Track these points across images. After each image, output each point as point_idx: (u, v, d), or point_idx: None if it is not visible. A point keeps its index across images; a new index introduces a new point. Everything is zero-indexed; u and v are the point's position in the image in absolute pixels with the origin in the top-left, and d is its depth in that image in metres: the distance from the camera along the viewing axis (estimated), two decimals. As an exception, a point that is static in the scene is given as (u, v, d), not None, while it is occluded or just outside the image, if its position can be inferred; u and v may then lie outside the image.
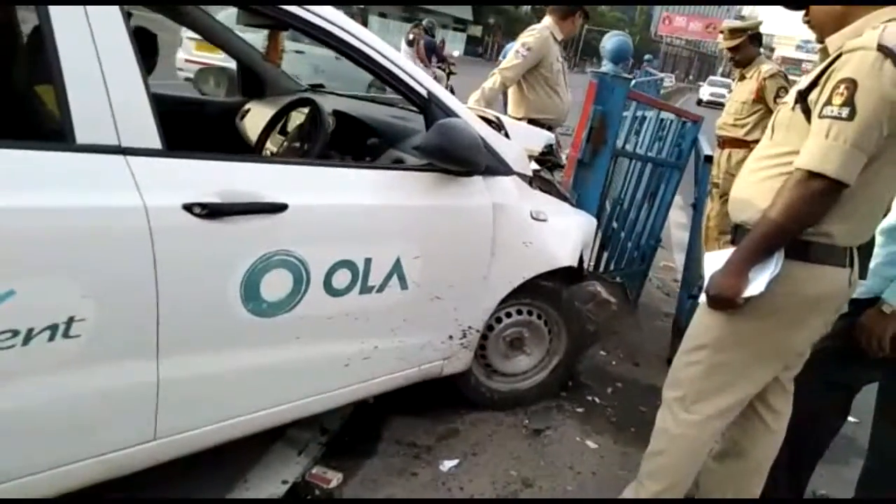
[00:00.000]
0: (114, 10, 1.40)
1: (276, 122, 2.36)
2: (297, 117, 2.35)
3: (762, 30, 3.99)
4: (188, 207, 1.48)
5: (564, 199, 2.47)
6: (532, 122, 3.35)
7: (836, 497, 2.30)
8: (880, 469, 2.01)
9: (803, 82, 1.52)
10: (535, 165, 2.40)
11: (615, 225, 3.37)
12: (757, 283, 1.51)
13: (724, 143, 3.94)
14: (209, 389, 1.66)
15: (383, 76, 1.93)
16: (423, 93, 1.96)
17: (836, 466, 2.33)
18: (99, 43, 1.37)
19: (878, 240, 1.79)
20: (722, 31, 3.92)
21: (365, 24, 31.51)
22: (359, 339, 1.93)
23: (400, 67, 1.93)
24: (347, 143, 2.26)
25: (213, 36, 2.77)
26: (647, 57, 15.91)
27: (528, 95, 3.37)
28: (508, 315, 2.38)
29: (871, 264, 1.79)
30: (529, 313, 2.41)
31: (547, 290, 2.38)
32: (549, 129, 3.34)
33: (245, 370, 1.70)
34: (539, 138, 2.47)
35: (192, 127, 2.74)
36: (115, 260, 1.40)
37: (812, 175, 1.40)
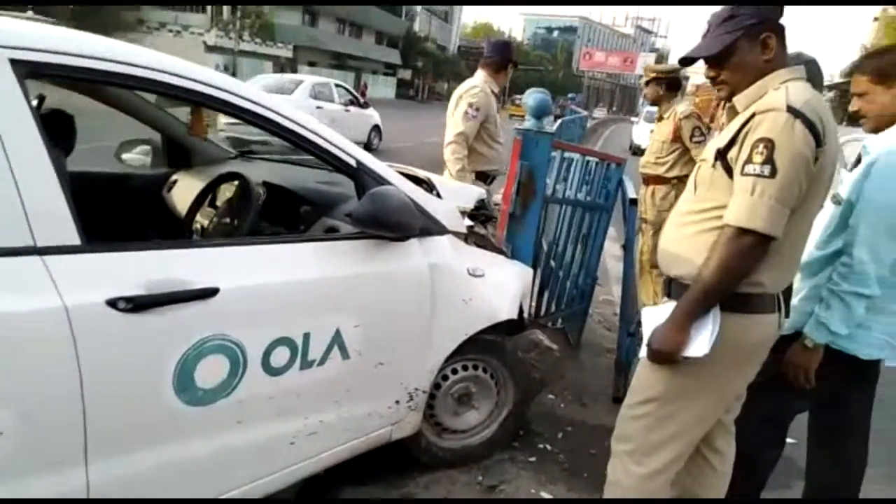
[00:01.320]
0: (20, 103, 1.35)
1: (206, 196, 2.32)
2: (227, 189, 2.32)
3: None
4: (112, 303, 1.43)
5: (500, 251, 2.52)
6: (478, 174, 3.46)
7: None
8: (820, 495, 2.09)
9: (721, 140, 1.61)
10: (468, 221, 2.44)
11: (553, 265, 3.45)
12: (699, 344, 1.57)
13: (648, 180, 4.12)
14: (145, 487, 1.59)
15: (310, 149, 1.93)
16: (352, 162, 1.98)
17: (778, 491, 2.40)
18: (5, 139, 1.32)
19: (797, 277, 1.90)
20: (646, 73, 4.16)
21: (294, 72, 31.53)
22: (303, 416, 1.88)
23: (325, 139, 1.94)
24: (279, 213, 2.24)
25: (136, 111, 2.72)
26: (570, 95, 16.49)
27: (475, 149, 3.44)
28: (455, 372, 2.38)
29: (794, 301, 1.89)
30: (475, 368, 2.42)
31: (490, 344, 2.39)
32: (493, 178, 3.43)
33: (184, 462, 1.64)
34: (470, 194, 2.52)
35: (118, 204, 2.68)
36: (36, 367, 1.33)
37: (742, 231, 1.48)
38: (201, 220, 2.32)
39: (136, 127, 2.81)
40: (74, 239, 1.41)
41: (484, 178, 3.46)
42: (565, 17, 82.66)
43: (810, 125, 1.47)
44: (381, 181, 2.01)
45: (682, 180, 3.88)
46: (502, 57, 3.51)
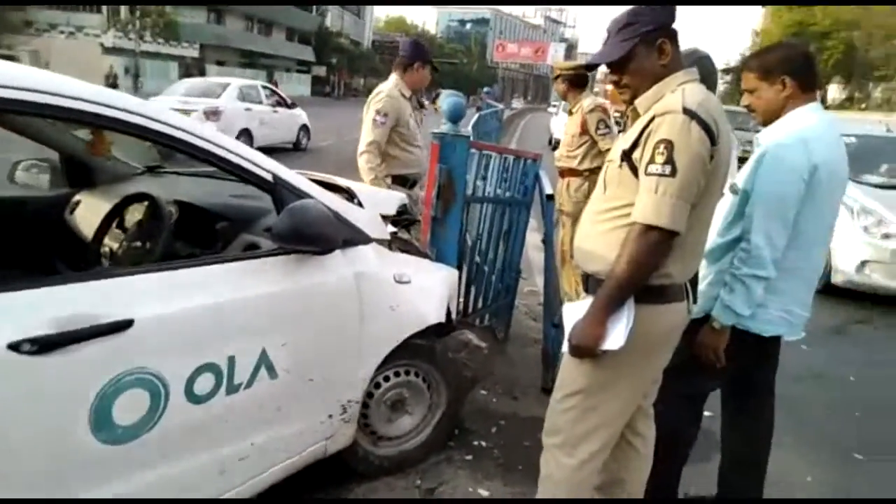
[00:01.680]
0: None
1: (113, 218, 2.21)
2: (136, 210, 2.22)
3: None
4: (14, 346, 1.34)
5: (424, 256, 2.53)
6: (396, 178, 3.45)
7: (704, 495, 2.50)
8: (735, 468, 2.24)
9: (626, 142, 1.68)
10: (392, 227, 2.44)
11: (478, 261, 3.50)
12: (616, 337, 1.64)
13: (563, 172, 4.25)
14: (66, 534, 1.51)
15: (223, 167, 1.87)
16: (268, 177, 1.94)
17: (699, 464, 2.53)
18: None
19: (702, 263, 2.01)
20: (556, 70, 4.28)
21: (202, 73, 30.30)
22: (232, 442, 1.84)
23: (238, 155, 1.89)
24: (194, 232, 2.17)
25: (25, 128, 2.54)
26: (486, 90, 16.69)
27: (390, 153, 3.43)
28: (387, 379, 2.38)
29: (701, 286, 2.01)
30: (407, 373, 2.43)
31: (421, 348, 2.41)
32: (415, 182, 3.42)
33: (107, 504, 1.56)
34: (391, 200, 2.52)
35: (15, 231, 2.51)
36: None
37: (648, 227, 1.56)
38: (110, 243, 2.21)
39: (28, 144, 2.63)
40: (-34, 280, 1.32)
41: (403, 182, 3.46)
42: (478, 10, 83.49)
43: (705, 126, 1.56)
44: (300, 194, 1.98)
45: (594, 172, 4.01)
46: (411, 56, 3.50)
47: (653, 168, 1.57)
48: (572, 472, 1.83)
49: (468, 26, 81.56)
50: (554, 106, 14.15)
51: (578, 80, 4.15)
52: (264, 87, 13.25)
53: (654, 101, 1.67)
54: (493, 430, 2.85)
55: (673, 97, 1.62)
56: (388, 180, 3.37)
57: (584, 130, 4.07)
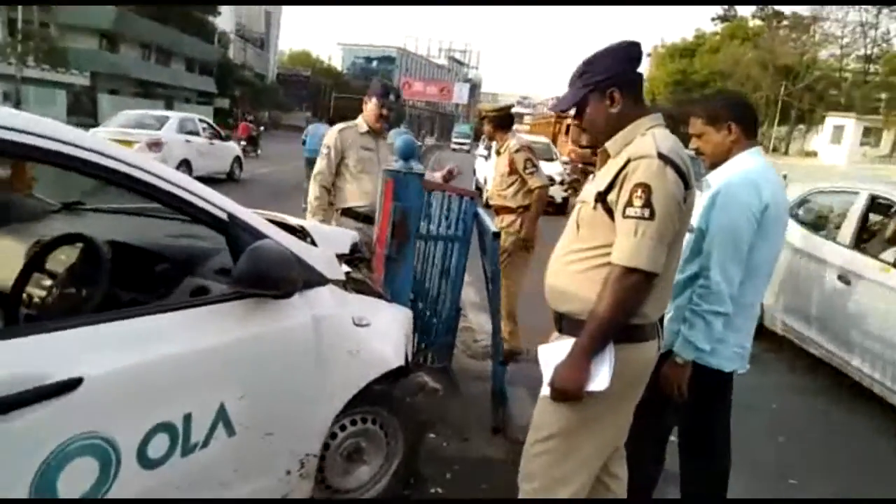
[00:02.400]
0: None
1: (37, 262, 1.96)
2: (65, 252, 1.98)
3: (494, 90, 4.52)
4: (-54, 415, 1.14)
5: (379, 296, 2.44)
6: (346, 210, 3.47)
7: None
8: (695, 495, 2.27)
9: (600, 184, 1.70)
10: (346, 267, 2.34)
11: (420, 304, 3.43)
12: (601, 379, 1.63)
13: (497, 210, 4.30)
14: None
15: (175, 205, 1.72)
16: (223, 216, 1.80)
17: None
18: None
19: None
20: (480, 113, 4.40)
21: (94, 102, 28.61)
22: (187, 508, 1.65)
23: (192, 192, 1.74)
24: (132, 275, 1.97)
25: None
26: (402, 129, 17.04)
27: (339, 185, 3.51)
28: (343, 428, 2.24)
29: (664, 321, 2.05)
30: (364, 421, 2.30)
31: (378, 394, 2.29)
32: (368, 217, 3.36)
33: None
34: (344, 239, 2.42)
35: None
36: None
37: (629, 270, 1.58)
38: (35, 292, 1.96)
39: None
40: None
41: (355, 215, 3.43)
42: (382, 48, 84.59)
43: (679, 170, 1.61)
44: (256, 234, 1.85)
45: (526, 208, 4.10)
46: (370, 92, 3.56)
47: (631, 211, 1.59)
48: None
49: (374, 63, 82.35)
50: (487, 149, 13.97)
51: (503, 121, 4.26)
52: (201, 121, 13.74)
53: (624, 145, 1.71)
54: (448, 475, 2.75)
55: (644, 141, 1.66)
56: (338, 213, 3.40)
57: (513, 170, 4.14)
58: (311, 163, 11.95)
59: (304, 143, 11.21)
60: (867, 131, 32.57)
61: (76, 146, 1.48)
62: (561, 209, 10.80)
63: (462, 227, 3.50)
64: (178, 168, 8.94)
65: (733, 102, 2.18)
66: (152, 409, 1.53)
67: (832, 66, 39.91)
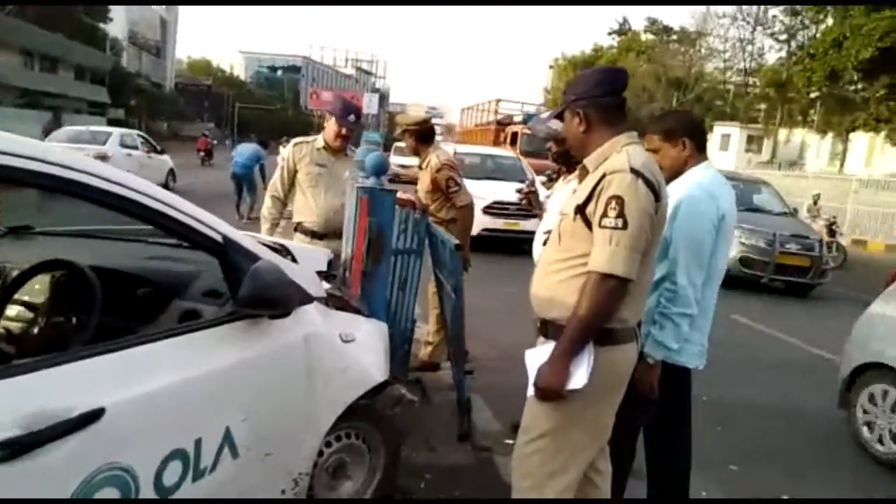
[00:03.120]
0: None
1: (10, 292, 1.85)
2: (42, 281, 1.88)
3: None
4: (-20, 456, 1.10)
5: (358, 312, 2.47)
6: (298, 225, 3.46)
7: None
8: (660, 482, 2.45)
9: (578, 197, 1.84)
10: (325, 284, 2.36)
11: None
12: (579, 377, 1.76)
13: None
14: None
15: (167, 225, 1.70)
16: (218, 238, 1.79)
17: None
18: None
19: None
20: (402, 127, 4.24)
21: (-29, 111, 26.02)
22: (196, 535, 1.63)
23: (188, 214, 1.73)
24: (116, 301, 1.91)
25: None
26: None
27: (291, 198, 3.54)
28: (329, 445, 2.26)
29: None
30: (348, 437, 2.33)
31: (362, 409, 2.32)
32: (315, 233, 3.36)
33: None
34: (321, 257, 2.44)
35: None
36: None
37: (605, 276, 1.72)
38: (11, 325, 1.84)
39: None
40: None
41: (304, 230, 3.42)
42: (287, 57, 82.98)
43: (649, 184, 1.78)
44: (251, 256, 1.85)
45: (453, 221, 4.05)
46: (330, 111, 3.54)
47: (606, 222, 1.74)
48: None
49: (279, 73, 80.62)
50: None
51: (425, 134, 4.12)
52: (139, 136, 15.62)
53: (601, 161, 1.86)
54: (422, 484, 2.81)
55: (619, 157, 1.81)
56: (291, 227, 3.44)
57: (436, 188, 4.02)
58: (237, 178, 11.94)
59: (232, 159, 12.13)
60: (750, 139, 35.38)
61: (65, 167, 1.43)
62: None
63: (417, 240, 3.58)
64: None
65: (685, 120, 2.39)
66: (167, 436, 1.51)
67: (717, 78, 43.03)
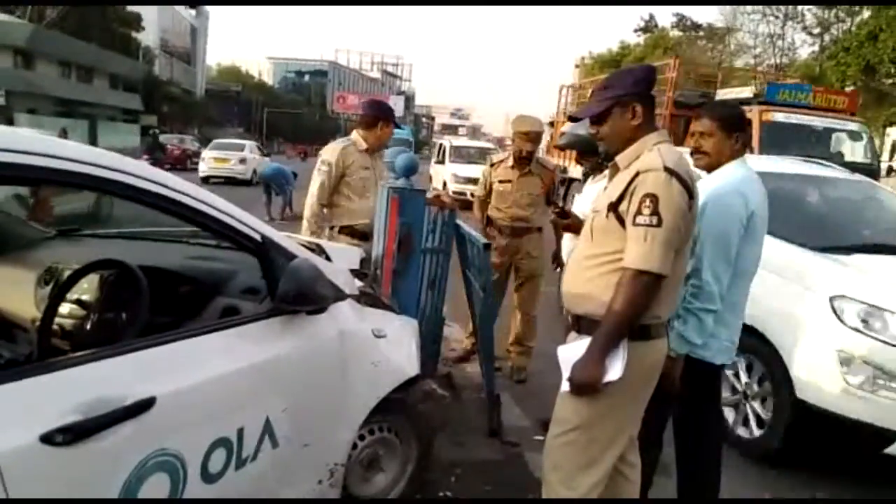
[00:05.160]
0: None
1: (65, 291, 1.96)
2: (91, 280, 1.99)
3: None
4: (47, 438, 1.19)
5: (389, 308, 2.54)
6: (343, 228, 3.48)
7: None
8: (692, 486, 2.46)
9: (611, 195, 1.87)
10: (357, 281, 2.43)
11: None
12: (614, 370, 1.80)
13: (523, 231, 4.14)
14: None
15: (210, 226, 1.78)
16: (258, 237, 1.87)
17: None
18: None
19: None
20: (525, 133, 3.84)
21: (10, 121, 27.27)
22: (238, 522, 1.71)
23: (229, 215, 1.81)
24: (162, 298, 2.00)
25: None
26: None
27: (336, 203, 3.50)
28: (362, 438, 2.33)
29: None
30: (380, 430, 2.39)
31: (394, 403, 2.38)
32: (365, 234, 3.41)
33: None
34: (354, 255, 2.51)
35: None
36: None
37: (640, 272, 1.75)
38: (65, 321, 1.95)
39: None
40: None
41: (351, 233, 3.47)
42: (314, 62, 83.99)
43: (683, 182, 1.80)
44: (288, 255, 1.93)
45: (539, 230, 4.14)
46: (372, 115, 3.58)
47: (640, 219, 1.77)
48: None
49: (306, 77, 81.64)
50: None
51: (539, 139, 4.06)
52: (256, 145, 21.46)
53: (633, 159, 1.89)
54: (453, 479, 2.86)
55: (652, 155, 1.84)
56: (335, 231, 3.43)
57: (545, 192, 4.08)
58: (266, 179, 12.29)
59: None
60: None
61: (111, 169, 1.51)
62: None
63: (445, 239, 3.62)
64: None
65: (742, 115, 2.35)
66: (212, 425, 1.59)
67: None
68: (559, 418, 1.98)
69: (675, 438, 2.50)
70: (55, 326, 1.85)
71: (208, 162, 19.42)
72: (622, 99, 1.92)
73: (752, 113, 8.35)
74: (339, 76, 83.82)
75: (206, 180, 18.22)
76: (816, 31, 34.93)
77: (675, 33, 46.67)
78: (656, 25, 48.08)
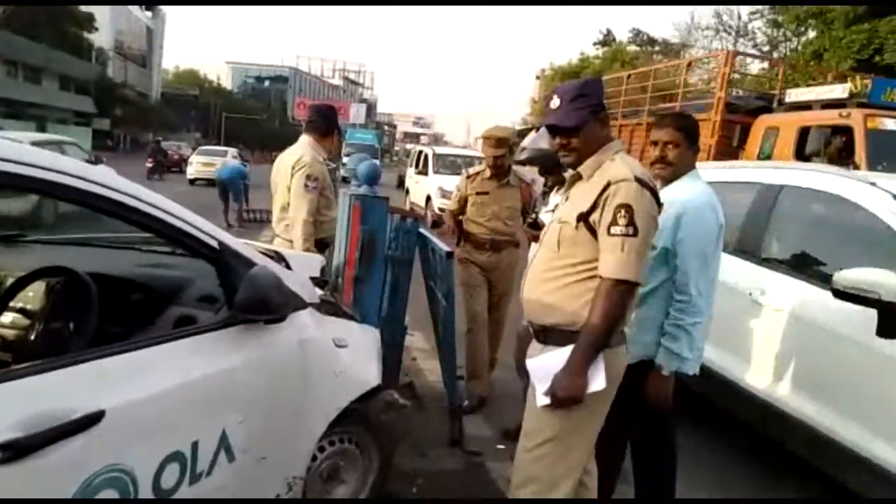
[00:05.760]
0: None
1: (8, 300, 1.86)
2: (37, 288, 1.90)
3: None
4: (-14, 455, 1.12)
5: (350, 317, 2.50)
6: (318, 241, 3.31)
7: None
8: (651, 493, 2.48)
9: (581, 205, 1.86)
10: (318, 290, 2.38)
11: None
12: (598, 381, 1.81)
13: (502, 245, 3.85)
14: None
15: (164, 232, 1.72)
16: (214, 244, 1.81)
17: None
18: None
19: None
20: (486, 138, 3.73)
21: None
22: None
23: (184, 221, 1.75)
24: (112, 306, 1.93)
25: None
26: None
27: (319, 219, 3.31)
28: (322, 450, 2.28)
29: (629, 334, 2.13)
30: (341, 441, 2.35)
31: (355, 413, 2.34)
32: (327, 245, 3.31)
33: None
34: (314, 263, 2.47)
35: None
36: None
37: (618, 282, 1.76)
38: (7, 332, 1.85)
39: None
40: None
41: (322, 246, 3.36)
42: (274, 67, 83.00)
43: (652, 192, 1.83)
44: (246, 262, 1.88)
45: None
46: (325, 124, 3.47)
47: (616, 229, 1.78)
48: None
49: (266, 83, 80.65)
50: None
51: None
52: (238, 151, 21.56)
53: (595, 168, 1.90)
54: (413, 489, 2.83)
55: (617, 165, 1.85)
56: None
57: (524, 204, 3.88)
58: (223, 184, 11.96)
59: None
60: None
61: (64, 173, 1.45)
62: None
63: (408, 247, 3.59)
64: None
65: (698, 127, 2.38)
66: (165, 439, 1.53)
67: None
68: (531, 430, 1.96)
69: (632, 447, 2.51)
70: (8, 338, 1.75)
71: (195, 166, 21.07)
72: (597, 108, 1.93)
73: (852, 118, 6.84)
74: (300, 82, 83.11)
75: (192, 182, 20.75)
76: (766, 48, 36.25)
77: (633, 48, 47.79)
78: (614, 39, 49.15)
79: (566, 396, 1.81)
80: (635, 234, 1.76)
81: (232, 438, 1.74)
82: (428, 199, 12.82)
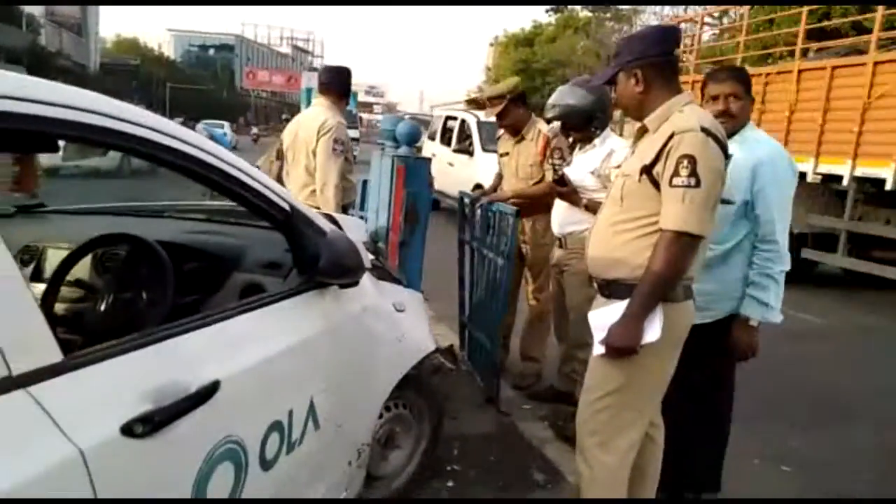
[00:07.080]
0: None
1: (64, 272, 1.72)
2: (95, 258, 1.77)
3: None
4: (127, 430, 1.05)
5: (398, 281, 2.45)
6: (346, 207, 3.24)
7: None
8: (690, 445, 2.50)
9: (644, 158, 1.85)
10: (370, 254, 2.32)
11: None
12: (653, 332, 1.80)
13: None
14: None
15: (236, 192, 1.61)
16: (286, 207, 1.72)
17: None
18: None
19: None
20: (481, 102, 3.59)
21: None
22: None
23: (256, 180, 1.65)
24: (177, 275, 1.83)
25: None
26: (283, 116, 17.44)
27: (343, 184, 3.21)
28: (380, 416, 2.24)
29: (709, 292, 2.15)
30: (397, 407, 2.32)
31: (409, 378, 2.31)
32: (345, 210, 3.19)
33: None
34: (361, 227, 2.39)
35: None
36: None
37: (679, 234, 1.75)
38: (69, 306, 1.72)
39: None
40: (56, 355, 1.00)
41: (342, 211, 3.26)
42: (218, 35, 79.80)
43: (719, 142, 1.82)
44: (316, 227, 1.80)
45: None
46: (343, 85, 3.35)
47: (678, 181, 1.76)
48: (615, 470, 1.94)
49: (211, 52, 77.50)
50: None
51: (524, 98, 3.50)
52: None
53: (662, 121, 1.88)
54: (455, 452, 2.83)
55: (685, 116, 1.84)
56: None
57: (543, 161, 3.39)
58: None
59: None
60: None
61: (132, 123, 1.32)
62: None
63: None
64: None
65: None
66: (268, 408, 1.47)
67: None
68: (592, 384, 1.97)
69: (675, 397, 2.54)
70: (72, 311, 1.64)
71: None
72: (627, 66, 1.92)
73: None
74: (248, 51, 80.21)
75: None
76: (717, 14, 36.81)
77: (585, 14, 47.78)
78: (567, 5, 49.03)
79: (620, 345, 1.81)
80: (697, 185, 1.74)
81: (318, 406, 1.69)
82: (477, 188, 8.76)
